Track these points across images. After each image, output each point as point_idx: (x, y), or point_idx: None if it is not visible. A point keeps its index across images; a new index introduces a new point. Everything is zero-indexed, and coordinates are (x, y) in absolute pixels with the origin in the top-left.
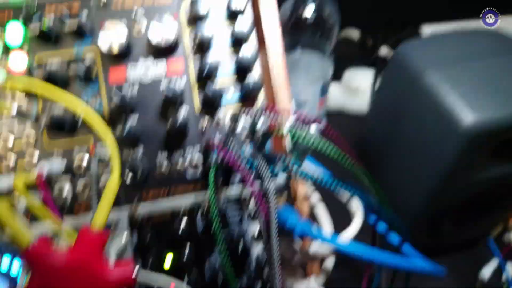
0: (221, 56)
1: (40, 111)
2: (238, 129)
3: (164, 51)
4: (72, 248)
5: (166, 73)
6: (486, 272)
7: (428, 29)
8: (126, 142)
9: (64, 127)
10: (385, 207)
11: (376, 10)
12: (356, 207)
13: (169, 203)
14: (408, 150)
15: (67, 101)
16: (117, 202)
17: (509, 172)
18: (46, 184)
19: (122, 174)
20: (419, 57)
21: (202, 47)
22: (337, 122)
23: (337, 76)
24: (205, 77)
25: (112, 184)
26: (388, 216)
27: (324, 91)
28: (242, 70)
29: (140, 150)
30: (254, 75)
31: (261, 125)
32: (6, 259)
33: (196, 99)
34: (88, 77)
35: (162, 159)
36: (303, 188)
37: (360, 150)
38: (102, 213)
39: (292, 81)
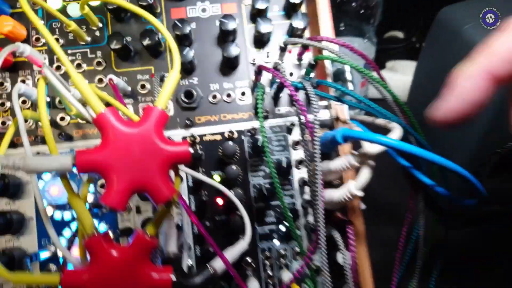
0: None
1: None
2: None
3: None
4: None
5: (222, 12)
6: None
7: None
8: (184, 68)
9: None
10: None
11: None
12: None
13: (219, 128)
14: None
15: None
16: (173, 125)
17: None
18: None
19: (179, 100)
20: (458, 17)
21: None
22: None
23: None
24: (257, 14)
25: (173, 73)
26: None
27: None
28: (290, 9)
29: (195, 78)
30: (301, 14)
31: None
32: None
33: (248, 37)
34: (153, 11)
35: (214, 88)
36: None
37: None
38: (164, 96)
39: None
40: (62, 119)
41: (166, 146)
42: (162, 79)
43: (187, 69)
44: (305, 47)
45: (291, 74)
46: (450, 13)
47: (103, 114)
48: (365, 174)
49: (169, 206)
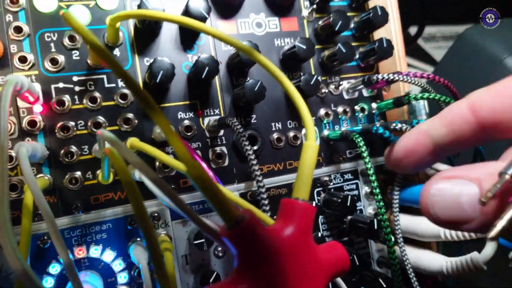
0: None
1: None
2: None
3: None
4: (284, 223)
5: (280, 29)
6: None
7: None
8: (242, 105)
9: None
10: None
11: None
12: None
13: (285, 179)
14: None
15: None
16: (230, 179)
17: None
18: None
19: (238, 147)
20: (495, 42)
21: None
22: None
23: None
24: (326, 37)
25: (311, 147)
26: None
27: None
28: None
29: (253, 115)
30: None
31: None
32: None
33: (313, 62)
34: None
35: (277, 127)
36: None
37: None
38: (305, 181)
39: None
40: (73, 181)
41: (323, 254)
42: None
43: (247, 104)
44: (389, 82)
45: (362, 110)
46: (481, 38)
47: (245, 224)
48: (491, 245)
49: None
